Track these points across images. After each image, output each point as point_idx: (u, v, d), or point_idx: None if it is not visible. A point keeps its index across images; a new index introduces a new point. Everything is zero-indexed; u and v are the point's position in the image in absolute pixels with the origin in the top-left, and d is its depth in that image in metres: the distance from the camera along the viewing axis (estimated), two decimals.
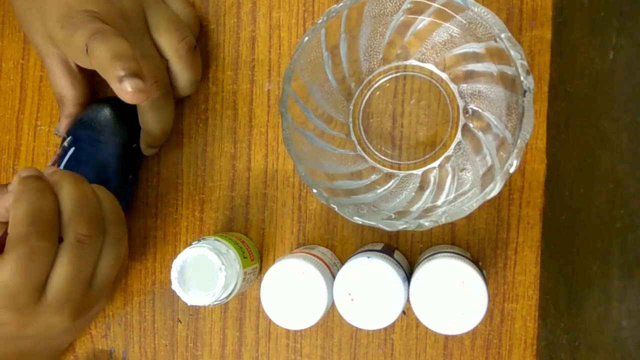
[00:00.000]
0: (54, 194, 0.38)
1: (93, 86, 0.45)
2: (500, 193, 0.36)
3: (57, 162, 0.44)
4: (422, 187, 0.42)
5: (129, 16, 0.41)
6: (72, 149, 0.44)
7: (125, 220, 0.42)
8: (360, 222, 0.36)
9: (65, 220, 0.37)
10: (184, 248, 0.40)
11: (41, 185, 0.38)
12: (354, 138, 0.44)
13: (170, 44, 0.42)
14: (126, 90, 0.35)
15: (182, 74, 0.43)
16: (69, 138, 0.44)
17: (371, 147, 0.44)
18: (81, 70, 0.44)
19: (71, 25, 0.38)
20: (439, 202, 0.39)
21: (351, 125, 0.44)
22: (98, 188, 0.41)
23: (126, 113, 0.44)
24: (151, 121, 0.43)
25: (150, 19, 0.42)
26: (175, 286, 0.39)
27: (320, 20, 0.36)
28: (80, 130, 0.44)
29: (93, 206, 0.39)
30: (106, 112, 0.44)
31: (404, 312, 0.40)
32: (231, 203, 0.47)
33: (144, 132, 0.44)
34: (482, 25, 0.35)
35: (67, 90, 0.44)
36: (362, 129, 0.44)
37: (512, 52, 0.33)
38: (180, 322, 0.47)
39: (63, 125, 0.45)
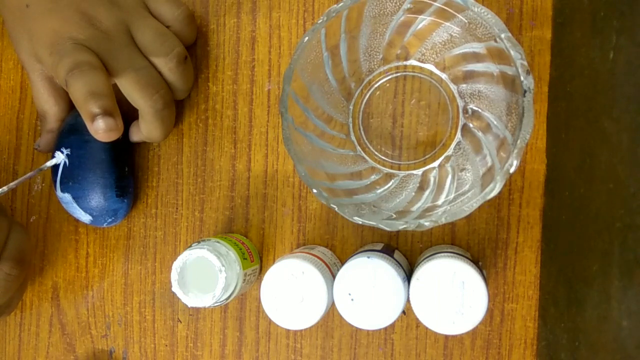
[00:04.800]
0: None
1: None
2: (500, 193, 0.36)
3: (20, 183, 0.44)
4: (422, 187, 0.42)
5: (114, 36, 0.41)
6: (63, 160, 0.44)
7: (29, 264, 0.42)
8: (360, 222, 0.36)
9: None
10: (184, 249, 0.40)
11: None
12: (353, 138, 0.44)
13: (158, 59, 0.42)
14: (98, 128, 0.36)
15: (174, 85, 0.43)
16: (56, 153, 0.44)
17: (371, 148, 0.44)
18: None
19: (57, 54, 0.39)
20: (439, 202, 0.39)
21: (351, 125, 0.44)
22: (16, 228, 0.41)
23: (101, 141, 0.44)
24: (154, 130, 0.43)
25: (135, 35, 0.42)
26: (175, 288, 0.39)
27: (320, 20, 0.36)
28: (65, 140, 0.44)
29: None
30: None
31: (404, 312, 0.40)
32: (231, 203, 0.47)
33: (144, 135, 0.44)
34: (482, 25, 0.35)
35: (50, 106, 0.45)
36: (362, 129, 0.44)
37: (512, 52, 0.33)
38: (180, 322, 0.47)
39: (44, 140, 0.46)
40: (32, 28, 0.41)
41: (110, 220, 0.46)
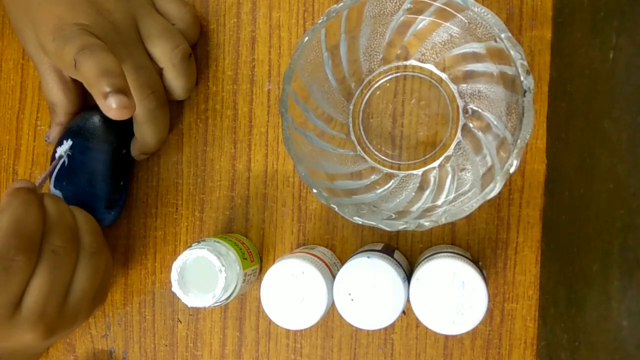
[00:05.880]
0: (42, 208, 0.39)
1: (85, 95, 0.45)
2: (500, 193, 0.36)
3: (50, 172, 0.44)
4: (422, 187, 0.42)
5: (121, 28, 0.41)
6: (63, 158, 0.44)
7: (102, 235, 0.43)
8: (360, 222, 0.36)
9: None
10: (184, 249, 0.40)
11: (29, 198, 0.38)
12: (353, 138, 0.44)
13: (163, 53, 0.42)
14: (110, 106, 0.35)
15: (176, 82, 0.43)
16: (59, 148, 0.44)
17: (371, 147, 0.44)
18: (73, 80, 0.44)
19: (62, 39, 0.38)
20: (439, 202, 0.39)
21: (351, 125, 0.44)
22: (74, 208, 0.42)
23: (115, 120, 0.44)
24: (147, 132, 0.43)
25: (142, 29, 0.42)
26: (175, 288, 0.39)
27: (320, 20, 0.36)
28: (69, 139, 0.44)
29: (67, 220, 0.40)
30: (95, 120, 0.44)
31: (404, 312, 0.40)
32: (231, 203, 0.47)
33: (138, 142, 0.44)
34: (482, 25, 0.35)
35: (59, 99, 0.44)
36: (362, 129, 0.44)
37: (512, 52, 0.33)
38: (180, 322, 0.47)
39: (54, 132, 0.45)
40: (36, 16, 0.40)
41: None
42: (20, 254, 0.36)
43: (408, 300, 0.37)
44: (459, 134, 0.42)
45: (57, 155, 0.44)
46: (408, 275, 0.39)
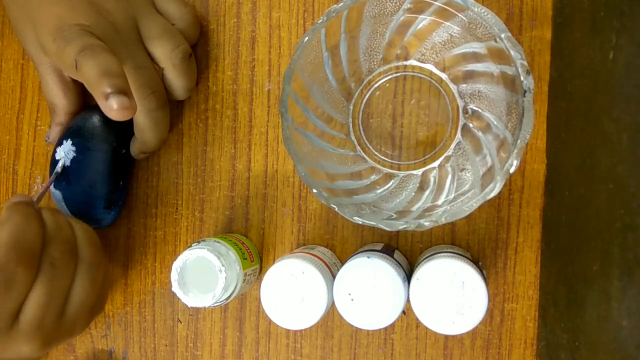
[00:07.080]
0: (41, 221, 0.39)
1: (85, 95, 0.45)
2: (500, 193, 0.36)
3: (49, 185, 0.44)
4: (422, 187, 0.42)
5: (121, 29, 0.41)
6: (62, 158, 0.44)
7: (101, 247, 0.42)
8: (360, 222, 0.36)
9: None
10: (184, 249, 0.40)
11: (29, 212, 0.38)
12: (353, 138, 0.44)
13: (163, 53, 0.42)
14: (112, 107, 0.35)
15: (176, 82, 0.43)
16: (59, 148, 0.44)
17: (371, 148, 0.44)
18: (73, 80, 0.44)
19: (62, 39, 0.38)
20: (439, 202, 0.39)
21: (351, 125, 0.44)
22: (72, 219, 0.42)
23: (114, 120, 0.44)
24: (147, 132, 0.43)
25: (142, 29, 0.42)
26: (175, 288, 0.39)
27: (320, 20, 0.36)
28: (70, 139, 0.44)
29: (65, 231, 0.40)
30: (94, 120, 0.44)
31: (404, 312, 0.40)
32: (231, 203, 0.47)
33: (138, 141, 0.44)
34: (482, 25, 0.35)
35: (59, 99, 0.44)
36: (361, 129, 0.44)
37: (512, 52, 0.33)
38: (180, 322, 0.47)
39: (53, 132, 0.45)
40: (37, 16, 0.40)
41: (93, 226, 0.45)
42: (20, 266, 0.36)
43: (408, 300, 0.37)
44: (458, 134, 0.42)
45: (56, 156, 0.44)
46: (408, 275, 0.39)
